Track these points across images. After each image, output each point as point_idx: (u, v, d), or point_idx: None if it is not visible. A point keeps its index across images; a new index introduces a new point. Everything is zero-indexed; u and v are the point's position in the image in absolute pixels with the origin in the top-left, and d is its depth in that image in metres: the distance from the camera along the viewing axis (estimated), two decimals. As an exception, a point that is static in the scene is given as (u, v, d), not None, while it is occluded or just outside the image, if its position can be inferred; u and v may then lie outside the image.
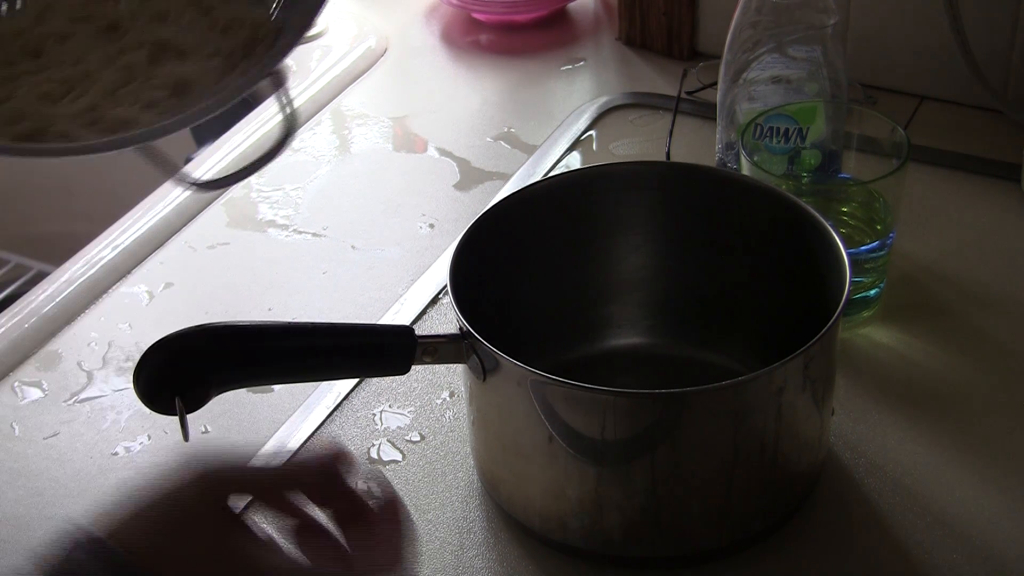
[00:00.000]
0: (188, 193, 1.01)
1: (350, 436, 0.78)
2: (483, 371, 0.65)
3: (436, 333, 0.67)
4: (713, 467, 0.65)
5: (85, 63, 0.71)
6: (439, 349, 0.66)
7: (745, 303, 0.77)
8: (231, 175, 0.71)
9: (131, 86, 0.70)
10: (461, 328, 0.66)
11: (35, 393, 0.85)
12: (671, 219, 0.77)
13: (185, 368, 0.64)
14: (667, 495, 0.65)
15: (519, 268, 0.76)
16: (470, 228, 0.72)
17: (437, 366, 0.71)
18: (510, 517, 0.71)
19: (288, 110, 0.70)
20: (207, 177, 1.02)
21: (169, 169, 0.71)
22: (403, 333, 0.67)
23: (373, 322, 0.66)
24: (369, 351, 0.67)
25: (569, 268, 0.78)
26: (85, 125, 0.70)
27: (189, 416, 0.63)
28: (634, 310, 0.80)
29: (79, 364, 0.86)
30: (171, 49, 0.71)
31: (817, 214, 0.70)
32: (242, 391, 0.83)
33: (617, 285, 0.79)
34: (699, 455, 0.64)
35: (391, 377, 0.82)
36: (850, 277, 0.66)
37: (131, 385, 0.85)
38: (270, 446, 0.78)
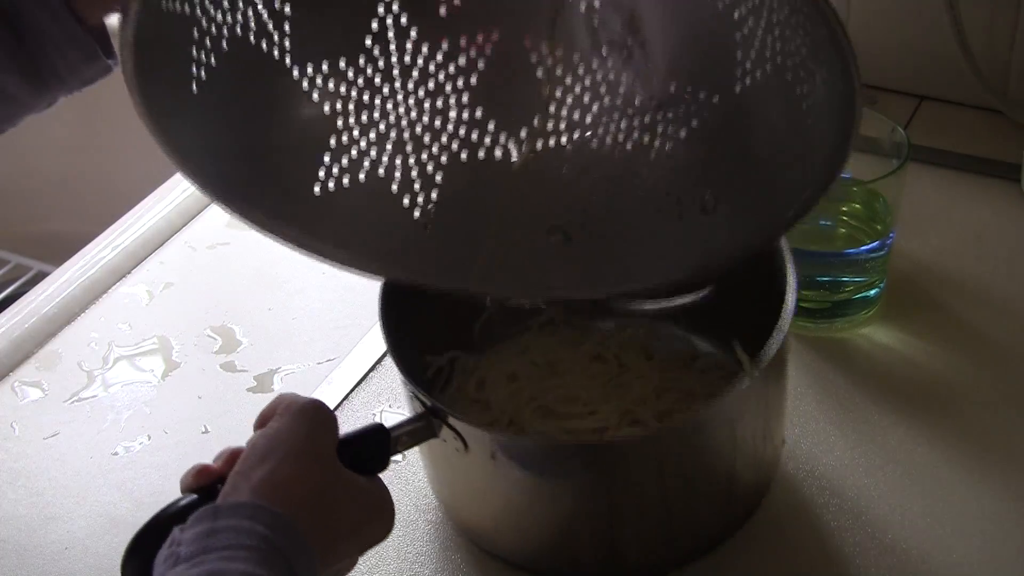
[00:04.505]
0: (188, 193, 1.01)
1: (350, 436, 0.78)
2: (464, 444, 0.61)
3: (401, 420, 0.61)
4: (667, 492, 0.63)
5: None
6: (410, 436, 0.61)
7: None
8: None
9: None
10: (426, 405, 0.61)
11: (35, 393, 0.85)
12: None
13: None
14: (626, 517, 0.64)
15: None
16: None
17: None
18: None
19: None
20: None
21: None
22: (374, 432, 0.60)
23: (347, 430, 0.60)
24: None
25: None
26: None
27: None
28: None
29: (79, 364, 0.86)
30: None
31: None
32: (242, 392, 0.83)
33: None
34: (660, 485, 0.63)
35: (391, 377, 0.82)
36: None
37: (129, 383, 0.85)
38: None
